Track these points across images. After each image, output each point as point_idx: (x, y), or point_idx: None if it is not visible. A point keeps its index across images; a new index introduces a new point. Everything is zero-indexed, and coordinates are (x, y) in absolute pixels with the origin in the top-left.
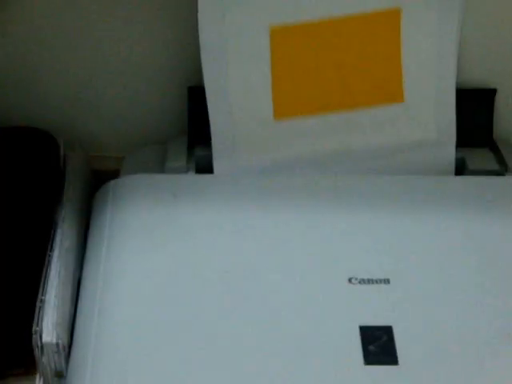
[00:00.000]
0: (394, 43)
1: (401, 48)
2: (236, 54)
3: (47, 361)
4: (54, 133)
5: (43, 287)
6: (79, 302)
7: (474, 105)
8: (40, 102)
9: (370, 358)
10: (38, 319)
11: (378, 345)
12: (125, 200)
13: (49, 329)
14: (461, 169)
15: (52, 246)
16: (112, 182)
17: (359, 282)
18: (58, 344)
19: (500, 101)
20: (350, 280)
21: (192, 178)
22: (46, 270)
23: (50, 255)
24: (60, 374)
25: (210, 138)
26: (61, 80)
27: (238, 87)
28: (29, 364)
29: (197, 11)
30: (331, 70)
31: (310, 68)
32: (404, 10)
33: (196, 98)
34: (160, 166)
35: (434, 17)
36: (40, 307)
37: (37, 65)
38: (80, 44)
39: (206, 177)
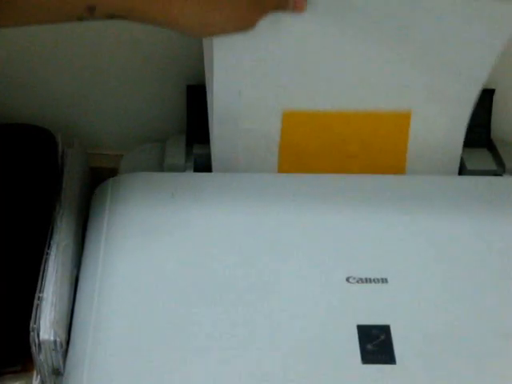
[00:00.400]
0: (401, 141)
1: (407, 145)
2: (247, 129)
3: (44, 358)
4: (52, 130)
5: (41, 285)
6: (77, 299)
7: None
8: (39, 99)
9: (368, 357)
10: (36, 317)
11: (376, 344)
12: (123, 198)
13: (46, 326)
14: (459, 168)
15: (50, 244)
16: (110, 180)
17: (357, 281)
18: (55, 341)
19: (498, 101)
20: (348, 279)
21: (190, 176)
22: (44, 268)
23: (47, 253)
24: (57, 372)
25: (208, 137)
26: (59, 78)
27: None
28: (26, 361)
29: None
30: (336, 158)
31: (317, 152)
32: (414, 112)
33: (195, 96)
34: (158, 164)
35: (443, 121)
36: (37, 305)
37: (36, 63)
38: (79, 42)
39: (204, 175)
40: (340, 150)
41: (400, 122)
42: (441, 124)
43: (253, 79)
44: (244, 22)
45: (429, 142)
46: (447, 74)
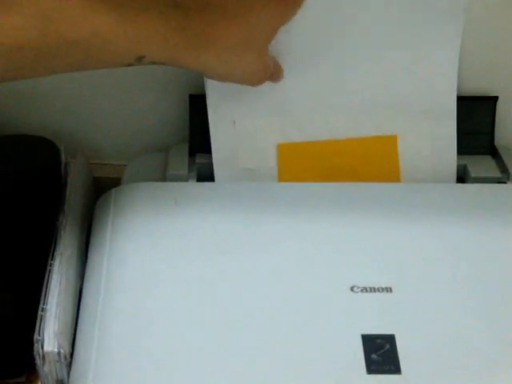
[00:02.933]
0: (392, 162)
1: (399, 165)
2: (245, 159)
3: (48, 370)
4: (55, 141)
5: (44, 296)
6: (81, 310)
7: (475, 112)
8: (42, 109)
9: (373, 366)
10: (40, 328)
11: (381, 354)
12: (126, 208)
13: (50, 338)
14: (463, 176)
15: (53, 255)
16: (113, 190)
17: (361, 291)
18: (59, 353)
19: (502, 108)
20: (352, 288)
21: (193, 185)
22: (48, 279)
23: (51, 264)
24: (61, 383)
25: (211, 146)
26: (62, 88)
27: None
28: (30, 373)
29: None
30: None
31: (313, 177)
32: (400, 136)
33: (197, 105)
34: (161, 174)
35: (429, 144)
36: (41, 316)
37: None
38: None
39: (208, 185)
40: (335, 177)
41: (388, 144)
42: (428, 140)
43: (246, 110)
44: (259, 79)
45: (420, 158)
46: (419, 86)
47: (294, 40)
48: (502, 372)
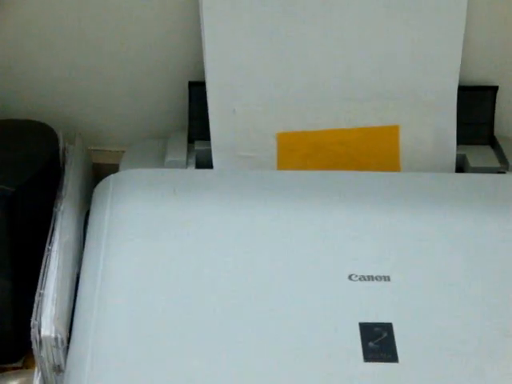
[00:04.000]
0: (393, 153)
1: (399, 156)
2: (244, 148)
3: (46, 355)
4: (54, 126)
5: (42, 281)
6: (78, 296)
7: (475, 102)
8: (41, 95)
9: (370, 354)
10: (37, 313)
11: (378, 342)
12: (124, 194)
13: (47, 323)
14: (462, 166)
15: (51, 240)
16: (112, 176)
17: (359, 279)
18: (56, 338)
19: (502, 98)
20: (350, 277)
21: (192, 172)
22: (45, 264)
23: (49, 249)
24: (58, 368)
25: (210, 133)
26: (61, 74)
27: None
28: (27, 358)
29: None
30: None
31: (313, 166)
32: (402, 126)
33: (196, 92)
34: (160, 161)
35: (429, 134)
36: (39, 301)
37: (37, 59)
38: (81, 39)
39: (206, 171)
40: (334, 166)
41: (389, 134)
42: (429, 131)
43: (247, 98)
44: None
45: (420, 148)
46: (422, 75)
47: (296, 28)
48: (499, 360)
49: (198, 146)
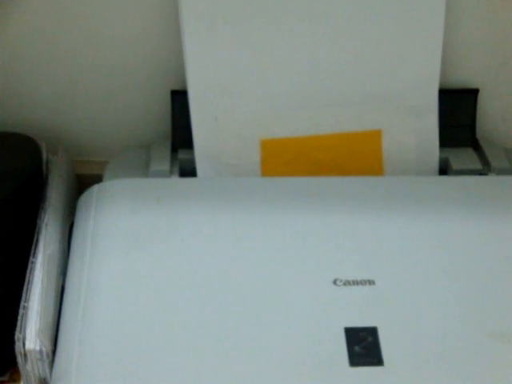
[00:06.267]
0: (376, 157)
1: (382, 160)
2: (228, 156)
3: (31, 368)
4: (37, 138)
5: (26, 294)
6: (63, 308)
7: (457, 105)
8: (23, 108)
9: (355, 359)
10: (21, 326)
11: (363, 346)
12: (108, 204)
13: (32, 336)
14: (445, 169)
15: (35, 252)
16: (95, 187)
17: (344, 284)
18: (41, 351)
19: (483, 100)
20: (334, 282)
21: (176, 181)
22: (29, 277)
23: (32, 261)
24: (44, 382)
25: (193, 142)
26: (44, 85)
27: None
28: (14, 371)
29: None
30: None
31: (297, 172)
32: (384, 131)
33: (179, 101)
34: (144, 170)
35: (411, 138)
36: (23, 314)
37: (19, 70)
38: (63, 49)
39: (190, 180)
40: (318, 172)
41: (372, 139)
42: (411, 134)
43: (229, 106)
44: None
45: (403, 152)
46: (403, 79)
47: (277, 35)
48: (484, 362)
49: (182, 154)
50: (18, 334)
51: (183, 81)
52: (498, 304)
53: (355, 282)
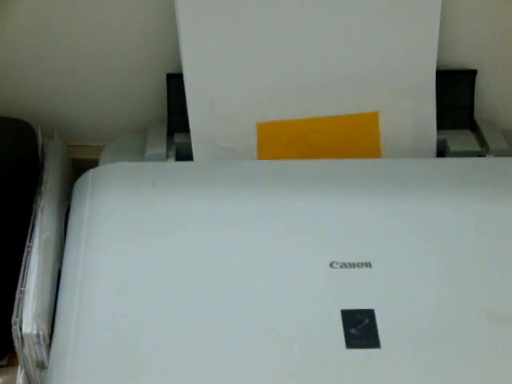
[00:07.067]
0: (373, 140)
1: (380, 143)
2: (224, 139)
3: (28, 352)
4: (32, 122)
5: (23, 278)
6: (60, 292)
7: (454, 86)
8: (19, 92)
9: (352, 341)
10: (18, 310)
11: (360, 328)
12: (104, 189)
13: (28, 320)
14: (443, 150)
15: (31, 237)
16: (91, 171)
17: (341, 266)
18: (38, 335)
19: (481, 81)
20: (331, 264)
21: (172, 165)
22: (26, 261)
23: (29, 246)
24: (42, 365)
25: (189, 125)
26: (39, 70)
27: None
28: (12, 356)
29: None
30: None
31: (293, 155)
32: (382, 113)
33: (175, 84)
34: (140, 154)
35: (409, 119)
36: (20, 298)
37: (14, 55)
38: (59, 34)
39: (186, 164)
40: (315, 155)
41: (369, 121)
42: (408, 116)
43: (225, 89)
44: None
45: (400, 134)
46: (400, 60)
47: (273, 18)
48: (481, 344)
49: (178, 138)
50: (14, 318)
51: (179, 64)
52: (496, 285)
53: (352, 265)
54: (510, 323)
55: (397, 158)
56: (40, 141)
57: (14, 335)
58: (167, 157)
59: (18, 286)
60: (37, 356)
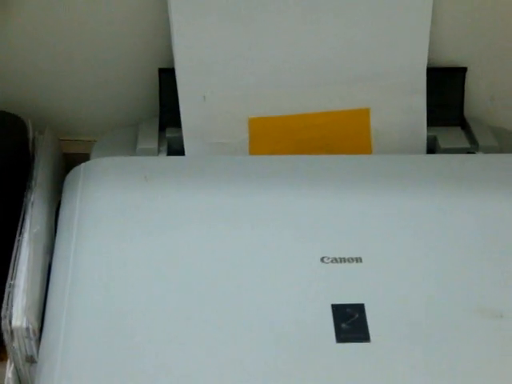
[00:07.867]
0: (364, 136)
1: (371, 138)
2: (216, 134)
3: (18, 346)
4: (23, 116)
5: (12, 272)
6: (50, 286)
7: (444, 83)
8: (9, 85)
9: (342, 335)
10: (8, 304)
11: (350, 322)
12: (95, 183)
13: (18, 313)
14: (432, 147)
15: (21, 231)
16: (82, 165)
17: (331, 261)
18: (27, 328)
19: (471, 79)
20: (322, 259)
21: (163, 159)
22: (16, 255)
23: (19, 240)
24: (31, 359)
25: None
26: (30, 64)
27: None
28: (1, 350)
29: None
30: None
31: (285, 151)
32: (372, 109)
33: (167, 79)
34: (131, 149)
35: (399, 116)
36: (9, 292)
37: (5, 49)
38: (50, 28)
39: (178, 158)
40: (306, 151)
41: (360, 117)
42: (399, 113)
43: (217, 84)
44: None
45: (391, 130)
46: (391, 57)
47: (265, 13)
48: (471, 338)
49: (170, 133)
50: (4, 312)
51: (171, 59)
52: (486, 280)
53: (342, 260)
54: (500, 318)
55: (387, 154)
56: (31, 135)
57: (3, 329)
58: (159, 151)
59: (8, 280)
60: (26, 350)
